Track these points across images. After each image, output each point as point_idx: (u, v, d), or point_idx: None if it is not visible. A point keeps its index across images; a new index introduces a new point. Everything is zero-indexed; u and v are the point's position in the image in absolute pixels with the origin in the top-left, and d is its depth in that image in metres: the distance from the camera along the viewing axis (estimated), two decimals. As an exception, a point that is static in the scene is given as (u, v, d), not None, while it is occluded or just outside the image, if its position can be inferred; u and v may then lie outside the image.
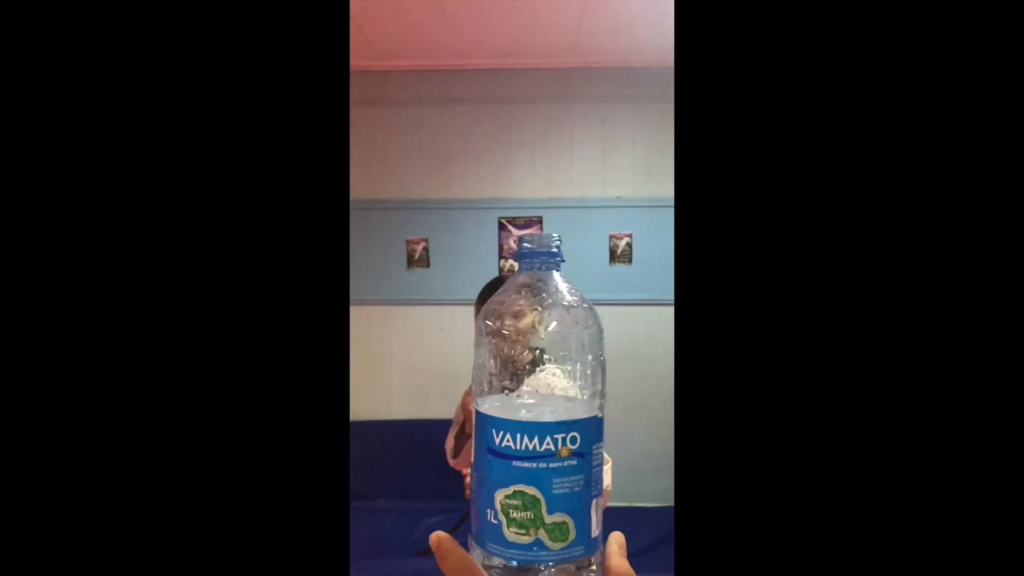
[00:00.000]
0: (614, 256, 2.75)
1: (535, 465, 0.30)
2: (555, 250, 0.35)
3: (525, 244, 0.35)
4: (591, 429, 0.32)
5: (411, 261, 2.79)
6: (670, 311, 2.70)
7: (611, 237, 2.74)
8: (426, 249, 2.78)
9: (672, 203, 2.73)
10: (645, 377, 2.70)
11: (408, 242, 2.79)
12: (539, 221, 2.73)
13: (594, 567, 0.32)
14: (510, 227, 2.76)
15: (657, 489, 2.61)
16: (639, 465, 2.64)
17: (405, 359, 2.74)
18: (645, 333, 2.70)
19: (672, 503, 2.60)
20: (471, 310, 1.45)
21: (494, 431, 0.31)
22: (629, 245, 2.74)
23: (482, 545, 0.31)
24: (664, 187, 2.72)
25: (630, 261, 2.74)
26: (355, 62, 2.56)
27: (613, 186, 2.75)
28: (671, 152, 2.70)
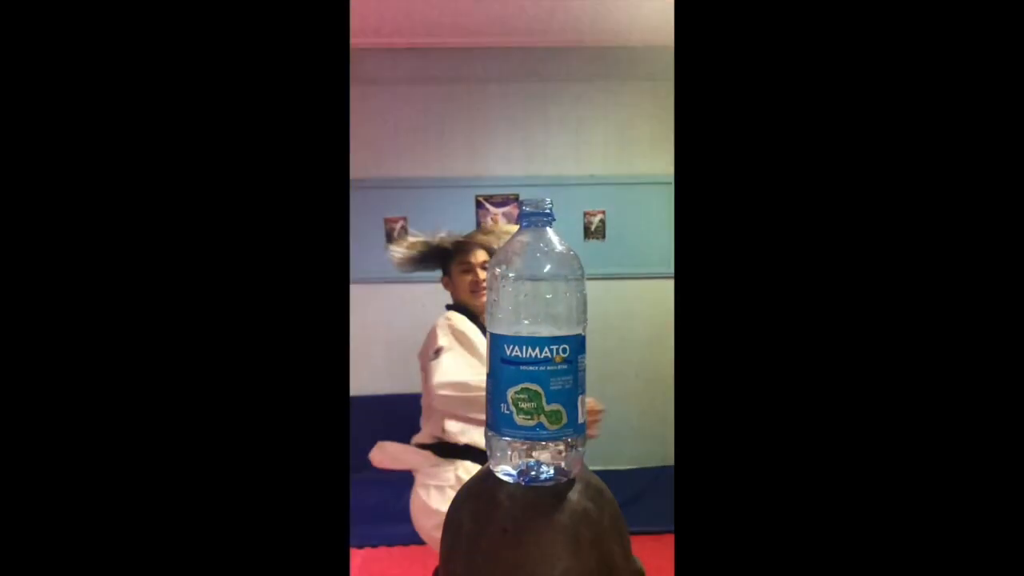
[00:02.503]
0: (588, 232, 2.83)
1: (537, 368, 0.41)
2: (548, 211, 0.45)
3: (525, 206, 0.45)
4: (577, 343, 0.42)
5: (390, 239, 2.81)
6: (642, 285, 2.83)
7: (585, 214, 2.82)
8: (404, 228, 2.82)
9: (643, 180, 2.84)
10: (619, 348, 2.82)
11: (387, 221, 2.82)
12: (516, 199, 2.80)
13: (580, 446, 0.43)
14: (487, 205, 2.82)
15: (629, 454, 2.74)
16: (612, 432, 2.77)
17: (387, 336, 2.79)
18: (618, 306, 2.80)
19: (642, 466, 2.76)
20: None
21: (506, 345, 0.41)
22: (603, 221, 2.83)
23: (497, 431, 0.42)
24: (636, 165, 2.81)
25: (603, 237, 2.84)
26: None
27: (587, 164, 2.82)
28: (643, 130, 2.80)
